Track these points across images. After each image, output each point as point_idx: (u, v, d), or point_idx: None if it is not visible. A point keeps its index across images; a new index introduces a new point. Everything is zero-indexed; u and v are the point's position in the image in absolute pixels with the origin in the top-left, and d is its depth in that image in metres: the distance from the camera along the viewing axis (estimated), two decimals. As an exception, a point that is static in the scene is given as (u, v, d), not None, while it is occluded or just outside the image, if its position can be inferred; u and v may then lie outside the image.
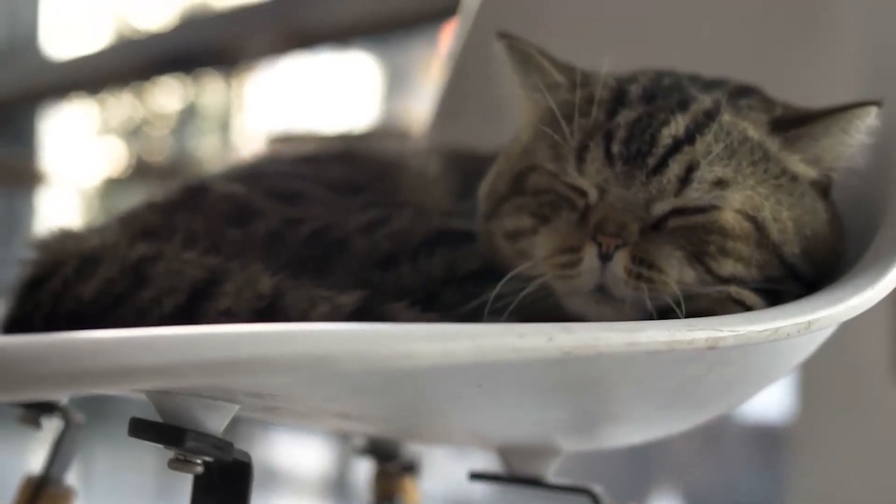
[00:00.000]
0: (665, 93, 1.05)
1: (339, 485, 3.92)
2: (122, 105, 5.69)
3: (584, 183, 1.01)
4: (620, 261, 0.96)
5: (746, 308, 0.96)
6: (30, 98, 5.84)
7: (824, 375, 2.30)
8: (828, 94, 1.09)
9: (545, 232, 1.03)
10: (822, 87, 1.21)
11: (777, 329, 0.90)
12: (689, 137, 1.00)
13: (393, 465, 1.50)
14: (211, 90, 5.37)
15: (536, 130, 1.08)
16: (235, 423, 0.89)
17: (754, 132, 1.02)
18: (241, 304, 1.00)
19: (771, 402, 2.77)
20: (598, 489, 1.23)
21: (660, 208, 0.99)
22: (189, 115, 5.54)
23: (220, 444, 0.86)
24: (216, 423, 0.86)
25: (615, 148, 1.00)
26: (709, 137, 1.00)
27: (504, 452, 1.27)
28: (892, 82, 1.16)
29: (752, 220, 1.00)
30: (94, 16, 5.67)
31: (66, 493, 1.23)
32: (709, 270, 0.99)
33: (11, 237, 5.74)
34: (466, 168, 1.24)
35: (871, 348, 2.21)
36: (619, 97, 1.05)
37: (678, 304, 0.96)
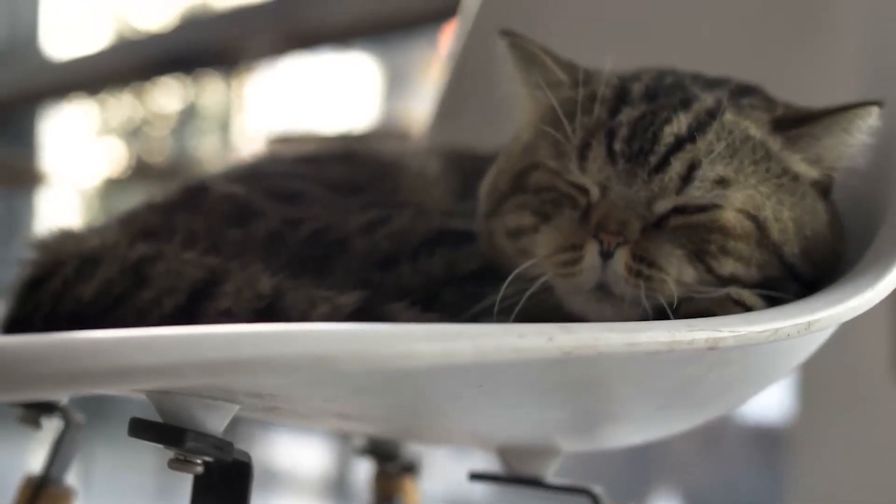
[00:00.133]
0: (667, 91, 1.05)
1: (338, 485, 3.91)
2: (122, 105, 5.69)
3: (586, 181, 1.01)
4: (621, 258, 0.96)
5: (746, 309, 0.96)
6: (30, 98, 5.84)
7: (824, 376, 2.30)
8: (828, 95, 1.09)
9: (546, 230, 1.03)
10: (822, 88, 1.21)
11: (777, 330, 0.90)
12: (691, 136, 1.00)
13: (393, 466, 1.50)
14: (211, 90, 5.37)
15: (538, 128, 1.08)
16: (235, 423, 0.89)
17: (756, 131, 1.02)
18: (241, 304, 1.00)
19: (771, 402, 2.77)
20: (597, 489, 1.23)
21: (661, 206, 0.99)
22: (189, 115, 5.54)
23: (220, 444, 0.86)
24: (216, 423, 0.86)
25: (617, 146, 1.00)
26: (711, 136, 1.00)
27: (504, 453, 1.27)
28: (892, 82, 1.16)
29: (754, 219, 1.00)
30: (95, 16, 5.67)
31: (66, 493, 1.23)
32: (709, 269, 0.99)
33: (11, 237, 5.73)
34: (466, 168, 1.24)
35: (870, 349, 2.21)
36: (621, 95, 1.05)
37: (674, 305, 0.96)
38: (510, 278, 0.99)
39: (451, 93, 1.66)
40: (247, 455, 0.88)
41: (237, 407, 0.88)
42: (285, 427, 3.57)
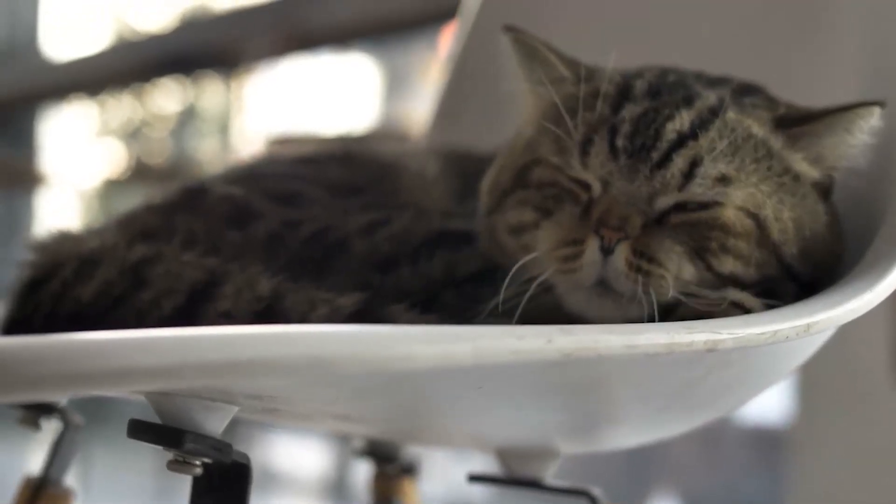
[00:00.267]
0: (670, 89, 1.05)
1: (338, 486, 3.91)
2: (122, 106, 5.69)
3: (587, 176, 1.01)
4: (622, 254, 0.96)
5: (745, 311, 0.96)
6: (29, 99, 5.84)
7: (823, 378, 2.30)
8: (828, 95, 1.09)
9: (548, 225, 1.03)
10: (822, 88, 1.21)
11: (776, 332, 0.90)
12: (694, 133, 1.00)
13: (392, 467, 1.50)
14: (210, 92, 5.37)
15: (540, 125, 1.08)
16: (234, 424, 0.89)
17: (758, 129, 1.02)
18: (241, 305, 1.00)
19: (770, 404, 2.77)
20: (596, 491, 1.23)
21: (663, 203, 0.99)
22: (188, 116, 5.55)
23: (219, 446, 0.86)
24: (215, 424, 0.86)
25: (619, 142, 1.00)
26: (713, 133, 1.00)
27: (503, 454, 1.27)
28: (893, 83, 1.16)
29: (754, 217, 1.00)
30: (94, 17, 5.67)
31: (66, 495, 1.23)
32: (709, 267, 0.99)
33: (11, 238, 5.73)
34: (466, 169, 1.24)
35: (870, 350, 2.21)
36: (624, 92, 1.05)
37: (670, 299, 0.96)
38: (511, 272, 0.99)
39: (451, 94, 1.66)
40: (246, 457, 0.88)
41: (236, 408, 0.88)
42: (284, 428, 3.57)
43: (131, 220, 1.19)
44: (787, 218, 1.01)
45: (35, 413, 1.18)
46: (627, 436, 1.30)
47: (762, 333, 0.90)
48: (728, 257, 0.99)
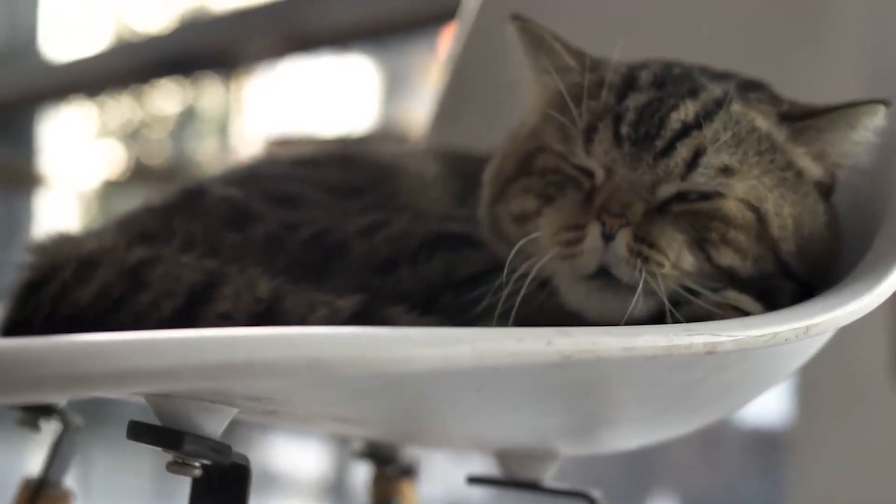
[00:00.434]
0: (675, 81, 1.05)
1: (337, 488, 3.92)
2: (121, 108, 5.69)
3: (591, 163, 1.01)
4: (623, 240, 0.96)
5: (744, 313, 0.96)
6: (29, 100, 5.85)
7: (823, 380, 2.30)
8: (828, 96, 1.09)
9: (549, 212, 1.03)
10: (822, 89, 1.21)
11: (775, 334, 0.90)
12: (698, 123, 1.00)
13: (391, 469, 1.50)
14: (210, 93, 5.38)
15: (545, 113, 1.08)
16: (234, 425, 0.89)
17: (762, 123, 1.03)
18: (240, 307, 1.00)
19: (769, 406, 2.77)
20: (596, 493, 1.23)
21: (665, 191, 0.99)
22: (188, 117, 5.55)
23: (219, 448, 0.86)
24: (214, 426, 0.86)
25: (624, 129, 1.01)
26: (717, 125, 1.00)
27: (502, 456, 1.27)
28: (893, 84, 1.16)
29: (755, 210, 1.00)
30: (94, 18, 5.67)
31: (65, 496, 1.23)
32: (708, 258, 0.99)
33: (10, 239, 5.74)
34: (465, 170, 1.24)
35: (869, 352, 2.21)
36: (629, 82, 1.05)
37: (674, 300, 0.96)
38: (513, 252, 1.00)
39: (451, 95, 1.66)
40: (245, 458, 0.88)
41: (235, 410, 0.88)
42: (284, 430, 3.57)
43: (130, 221, 1.19)
44: (787, 214, 1.01)
45: (34, 414, 1.17)
46: (626, 438, 1.30)
47: (761, 336, 0.90)
48: (728, 249, 0.99)
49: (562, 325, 0.92)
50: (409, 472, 1.50)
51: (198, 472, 0.86)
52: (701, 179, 0.99)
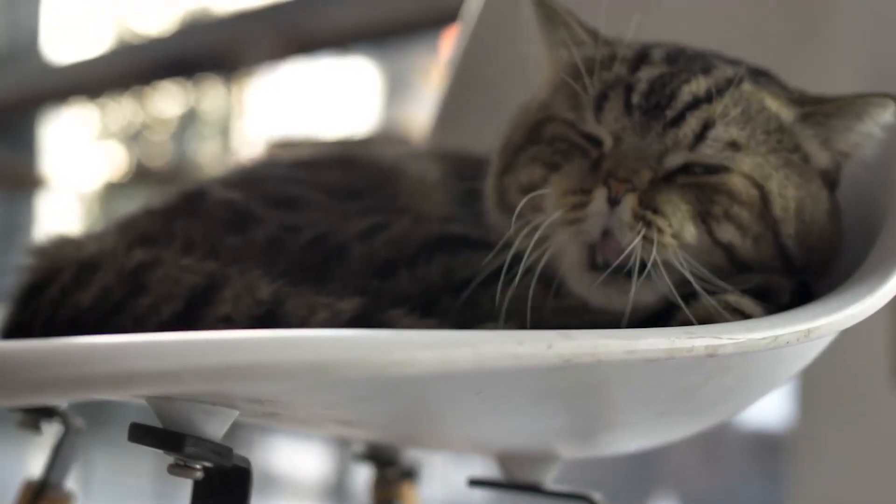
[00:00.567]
0: (688, 59, 1.07)
1: (338, 490, 3.92)
2: (123, 109, 5.69)
3: (600, 131, 1.03)
4: (628, 205, 0.97)
5: (745, 316, 0.96)
6: (30, 102, 5.85)
7: (824, 382, 2.30)
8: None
9: (556, 177, 1.04)
10: (822, 89, 1.21)
11: (776, 337, 0.90)
12: (709, 97, 1.02)
13: (392, 471, 1.49)
14: (211, 95, 5.38)
15: (556, 85, 1.10)
16: (235, 427, 0.89)
17: (771, 103, 1.04)
18: (240, 310, 1.00)
19: (770, 408, 2.77)
20: (596, 496, 1.23)
21: (673, 161, 1.00)
22: (189, 119, 5.55)
23: (220, 450, 0.86)
24: (216, 428, 0.86)
25: (635, 98, 1.02)
26: (728, 100, 1.02)
27: (503, 459, 1.27)
28: (893, 85, 1.16)
29: (759, 188, 1.01)
30: (95, 20, 5.67)
31: (66, 498, 1.23)
32: (710, 232, 1.00)
33: (11, 241, 5.74)
34: (466, 173, 1.24)
35: (870, 355, 2.21)
36: (642, 56, 1.07)
37: (669, 309, 0.96)
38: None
39: (452, 98, 1.66)
40: (246, 461, 0.88)
41: (237, 412, 0.88)
42: (285, 432, 3.57)
43: (130, 224, 1.18)
44: (790, 196, 1.02)
45: (35, 416, 1.17)
46: (627, 440, 1.30)
47: (763, 338, 0.90)
48: (729, 225, 1.00)
49: (564, 322, 0.93)
50: (409, 474, 1.50)
51: (199, 475, 0.86)
52: (708, 151, 1.00)
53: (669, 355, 0.85)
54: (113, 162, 5.51)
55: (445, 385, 0.88)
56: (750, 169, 1.01)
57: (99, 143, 5.71)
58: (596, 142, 1.03)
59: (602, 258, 0.99)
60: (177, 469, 0.86)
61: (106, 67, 5.30)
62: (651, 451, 1.40)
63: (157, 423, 0.85)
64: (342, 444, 3.15)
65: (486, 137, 1.20)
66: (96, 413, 1.41)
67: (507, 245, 1.02)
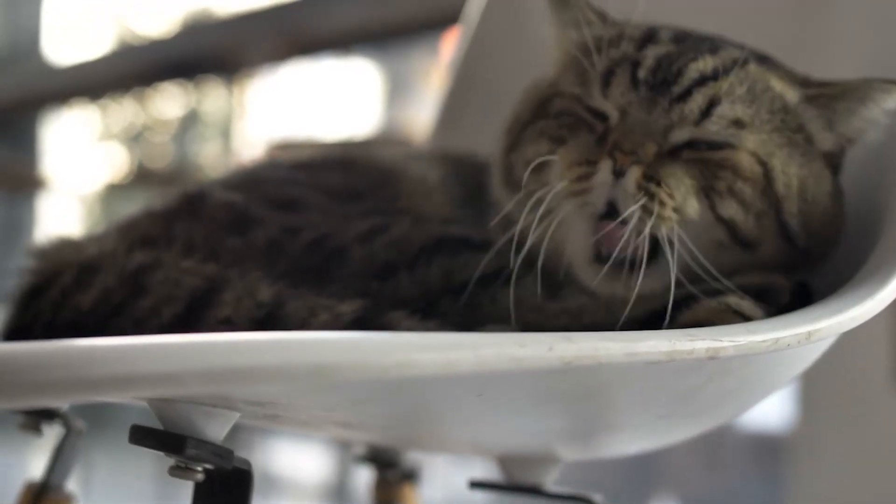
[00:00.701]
0: (695, 40, 1.08)
1: (338, 492, 3.92)
2: (124, 111, 5.70)
3: (607, 106, 1.04)
4: (633, 176, 0.98)
5: (745, 318, 0.96)
6: (31, 103, 5.85)
7: (824, 384, 2.30)
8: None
9: (562, 150, 1.05)
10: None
11: (777, 339, 0.90)
12: (715, 76, 1.03)
13: (393, 473, 1.49)
14: (212, 96, 5.38)
15: (565, 63, 1.11)
16: (235, 429, 0.89)
17: (777, 84, 1.05)
18: (241, 312, 1.00)
19: (771, 410, 2.77)
20: (597, 498, 1.23)
21: (678, 136, 1.02)
22: (190, 121, 5.55)
23: (221, 452, 0.86)
24: (217, 430, 0.86)
25: (642, 73, 1.03)
26: (733, 78, 1.03)
27: (504, 461, 1.27)
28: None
29: (763, 165, 1.02)
30: (96, 21, 5.67)
31: (67, 500, 1.23)
32: (712, 207, 1.01)
33: (12, 242, 5.74)
34: (467, 175, 1.24)
35: (871, 357, 2.21)
36: (649, 36, 1.08)
37: (676, 303, 0.96)
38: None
39: (453, 99, 1.66)
40: (247, 463, 0.88)
41: (237, 414, 0.88)
42: (286, 433, 3.58)
43: (131, 226, 1.18)
44: (793, 174, 1.03)
45: (36, 418, 1.17)
46: (628, 443, 1.30)
47: (763, 341, 0.90)
48: (732, 201, 1.01)
49: (564, 324, 0.93)
50: (410, 476, 1.50)
51: (200, 477, 0.86)
52: (713, 128, 1.02)
53: (670, 358, 0.85)
54: (114, 163, 5.51)
55: (446, 387, 0.88)
56: (754, 146, 1.02)
57: (100, 145, 5.71)
58: (602, 117, 1.04)
59: (606, 250, 1.00)
60: (178, 471, 0.86)
61: (107, 68, 5.30)
62: (651, 453, 1.40)
63: (157, 425, 0.86)
64: (343, 445, 3.15)
65: (487, 139, 1.21)
66: (97, 415, 1.41)
67: (512, 222, 1.03)
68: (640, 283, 0.97)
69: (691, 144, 1.02)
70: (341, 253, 1.10)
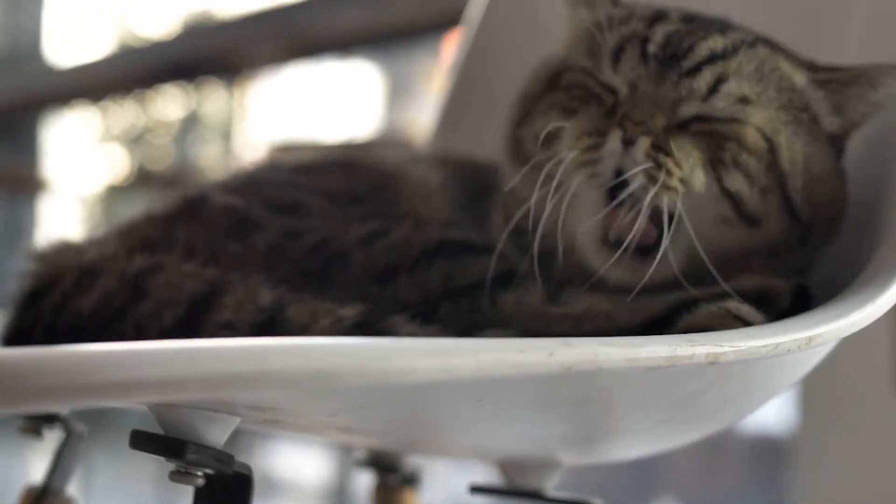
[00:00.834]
0: (704, 21, 1.10)
1: (339, 496, 3.91)
2: (125, 113, 5.69)
3: (616, 80, 1.05)
4: (642, 146, 0.99)
5: (746, 323, 0.96)
6: (32, 105, 5.85)
7: (825, 387, 2.30)
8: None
9: (573, 122, 1.06)
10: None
11: (777, 344, 0.90)
12: (724, 55, 1.05)
13: (394, 478, 1.49)
14: (213, 98, 5.37)
15: (576, 40, 1.13)
16: (236, 432, 0.89)
17: (784, 65, 1.07)
18: (242, 316, 1.00)
19: (772, 413, 2.77)
20: (598, 502, 1.23)
21: (686, 110, 1.03)
22: (191, 123, 5.55)
23: (221, 457, 0.86)
24: (217, 435, 0.86)
25: (651, 48, 1.05)
26: (742, 58, 1.05)
27: (504, 466, 1.27)
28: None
29: (768, 140, 1.03)
30: (97, 23, 5.67)
31: (67, 504, 1.23)
32: (718, 179, 1.02)
33: (13, 244, 5.74)
34: (468, 178, 1.24)
35: (871, 361, 2.21)
36: (658, 15, 1.09)
37: (676, 306, 0.97)
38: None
39: (454, 102, 1.66)
40: (248, 468, 0.88)
41: (238, 419, 0.88)
42: (286, 438, 3.57)
43: (131, 229, 1.18)
44: (798, 151, 1.05)
45: (37, 422, 1.17)
46: (628, 448, 1.30)
47: (764, 346, 0.90)
48: (738, 173, 1.02)
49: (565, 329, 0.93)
50: (411, 480, 1.50)
51: (200, 482, 0.86)
52: (720, 104, 1.03)
53: (670, 363, 0.86)
54: (114, 165, 5.51)
55: (446, 393, 0.88)
56: (760, 122, 1.03)
57: (101, 147, 5.70)
58: (612, 91, 1.06)
59: (614, 235, 1.01)
60: (178, 476, 0.86)
61: (108, 70, 5.30)
62: (652, 457, 1.40)
63: (158, 430, 0.86)
64: (344, 449, 3.14)
65: (488, 141, 1.21)
66: (98, 419, 1.41)
67: (518, 201, 1.04)
68: (651, 267, 0.98)
69: (699, 118, 1.03)
70: (342, 257, 1.10)
